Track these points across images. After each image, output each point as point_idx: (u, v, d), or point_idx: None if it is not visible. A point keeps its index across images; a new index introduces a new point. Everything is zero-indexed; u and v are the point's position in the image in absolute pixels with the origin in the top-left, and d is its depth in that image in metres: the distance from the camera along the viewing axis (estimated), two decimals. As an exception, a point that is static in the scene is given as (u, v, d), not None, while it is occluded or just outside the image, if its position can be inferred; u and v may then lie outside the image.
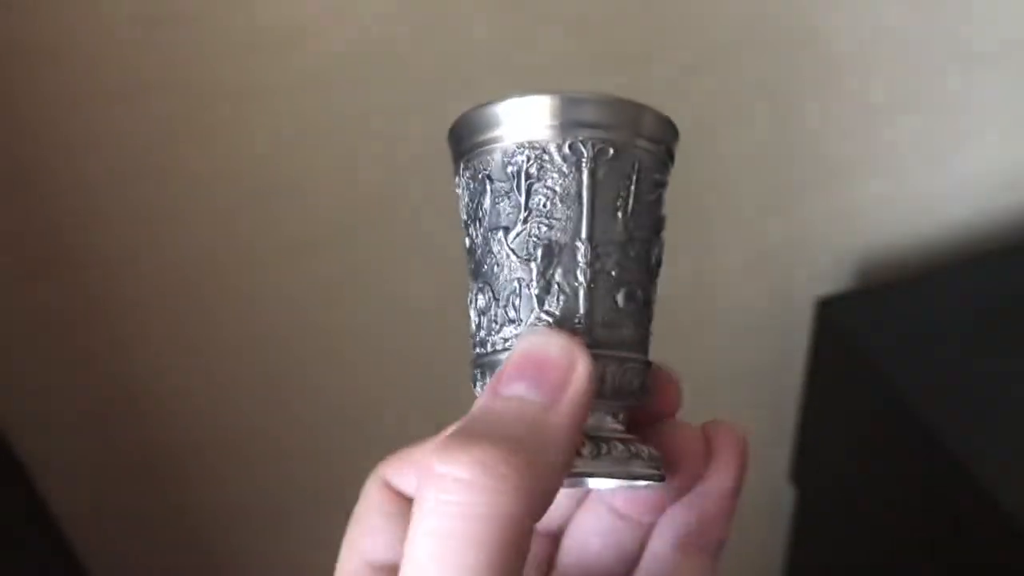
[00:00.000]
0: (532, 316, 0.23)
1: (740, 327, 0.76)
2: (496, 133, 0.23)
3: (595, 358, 0.22)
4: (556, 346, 0.21)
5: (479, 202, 0.24)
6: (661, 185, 0.24)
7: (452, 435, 0.20)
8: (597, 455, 0.22)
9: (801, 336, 0.75)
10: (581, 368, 0.21)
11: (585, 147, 0.23)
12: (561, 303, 0.23)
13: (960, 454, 0.57)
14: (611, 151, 0.23)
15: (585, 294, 0.23)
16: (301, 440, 0.68)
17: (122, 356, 0.60)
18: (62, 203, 0.53)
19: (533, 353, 0.21)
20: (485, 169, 0.24)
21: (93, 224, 0.54)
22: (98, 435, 0.63)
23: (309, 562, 0.74)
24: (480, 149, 0.24)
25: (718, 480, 0.24)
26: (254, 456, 0.68)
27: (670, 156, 0.25)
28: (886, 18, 0.63)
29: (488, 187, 0.24)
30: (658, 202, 0.24)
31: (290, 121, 0.54)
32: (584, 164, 0.23)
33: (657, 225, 0.24)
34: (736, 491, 0.25)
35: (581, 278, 0.23)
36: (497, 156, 0.23)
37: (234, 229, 0.57)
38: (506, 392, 0.21)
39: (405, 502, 0.25)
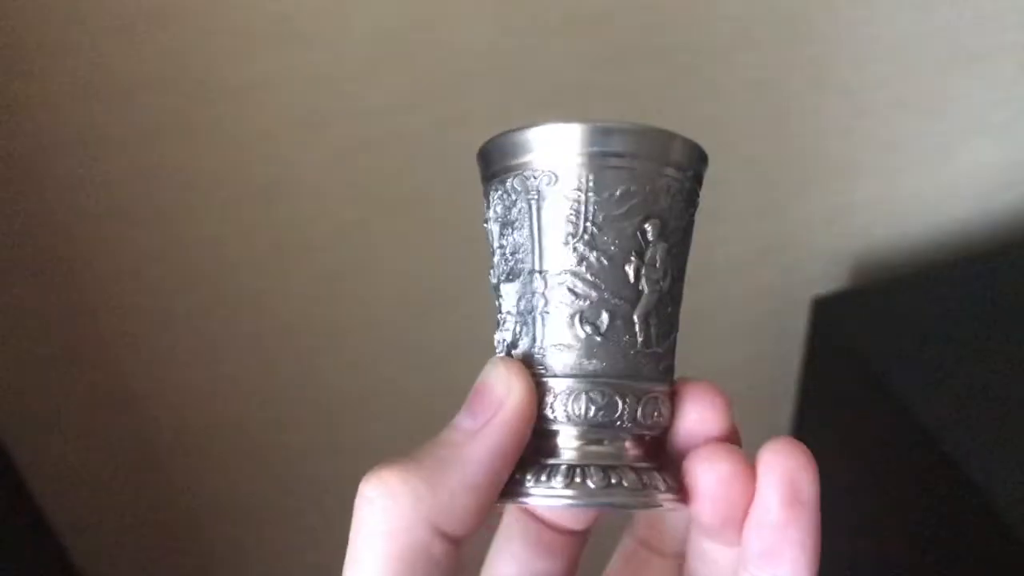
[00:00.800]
0: (503, 346, 0.24)
1: (736, 326, 0.76)
2: (486, 175, 0.25)
3: (548, 384, 0.23)
4: (494, 375, 0.23)
5: (487, 244, 0.26)
6: (632, 195, 0.23)
7: (384, 460, 0.22)
8: (537, 482, 0.23)
9: (797, 335, 0.75)
10: (513, 395, 0.22)
11: (528, 179, 0.23)
12: (522, 333, 0.24)
13: (955, 452, 0.58)
14: (554, 177, 0.23)
15: (540, 322, 0.23)
16: (299, 442, 0.68)
17: (118, 357, 0.60)
18: (59, 204, 0.53)
19: (478, 383, 0.23)
20: (483, 217, 0.25)
21: (89, 225, 0.54)
22: (95, 438, 0.63)
23: (308, 562, 0.74)
24: (485, 191, 0.25)
25: (759, 508, 0.22)
26: (251, 458, 0.68)
27: (650, 158, 0.23)
28: (884, 18, 0.63)
29: (486, 230, 0.25)
30: (629, 215, 0.23)
31: (288, 120, 0.54)
32: (530, 195, 0.23)
33: (634, 241, 0.23)
34: (789, 519, 0.22)
35: (538, 306, 0.23)
36: (486, 203, 0.25)
37: (230, 229, 0.57)
38: (456, 421, 0.23)
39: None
